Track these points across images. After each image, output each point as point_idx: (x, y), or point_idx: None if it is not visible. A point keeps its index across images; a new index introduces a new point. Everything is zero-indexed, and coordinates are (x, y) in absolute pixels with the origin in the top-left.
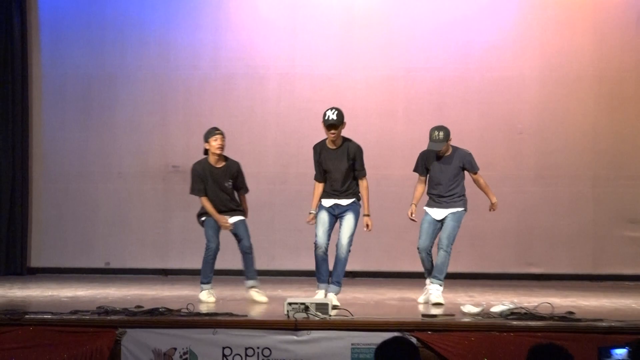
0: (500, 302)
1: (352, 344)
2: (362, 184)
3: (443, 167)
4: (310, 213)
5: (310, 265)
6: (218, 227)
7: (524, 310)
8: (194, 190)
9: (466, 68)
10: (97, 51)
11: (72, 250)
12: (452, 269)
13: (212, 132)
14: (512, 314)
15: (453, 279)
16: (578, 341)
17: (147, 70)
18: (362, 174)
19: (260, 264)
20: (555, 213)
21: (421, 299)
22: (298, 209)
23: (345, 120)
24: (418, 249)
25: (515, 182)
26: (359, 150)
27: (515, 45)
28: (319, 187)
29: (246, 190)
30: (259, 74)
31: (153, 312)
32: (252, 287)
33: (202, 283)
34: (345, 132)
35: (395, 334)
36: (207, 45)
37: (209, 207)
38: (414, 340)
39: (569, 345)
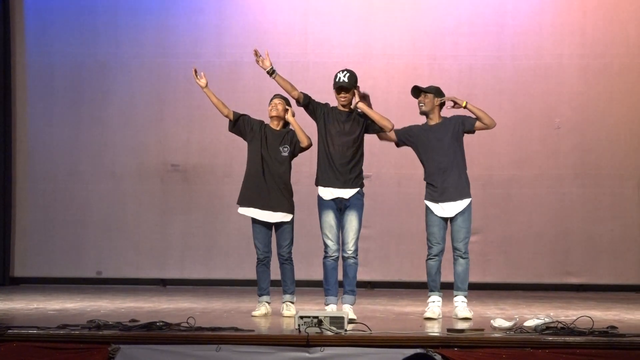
0: (535, 315)
1: None
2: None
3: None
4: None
5: (317, 275)
6: (265, 233)
7: (561, 325)
8: (235, 113)
9: (498, 55)
10: (88, 37)
11: (60, 258)
12: (480, 278)
13: (272, 99)
14: (547, 328)
15: (482, 289)
16: (621, 359)
17: (143, 58)
18: (385, 121)
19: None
20: (597, 217)
21: (431, 313)
22: (311, 212)
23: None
24: (433, 256)
25: (552, 182)
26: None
27: (553, 30)
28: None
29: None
30: None
31: (150, 326)
32: (287, 301)
33: (259, 295)
34: None
35: (418, 350)
36: (210, 30)
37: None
38: (438, 358)
39: None
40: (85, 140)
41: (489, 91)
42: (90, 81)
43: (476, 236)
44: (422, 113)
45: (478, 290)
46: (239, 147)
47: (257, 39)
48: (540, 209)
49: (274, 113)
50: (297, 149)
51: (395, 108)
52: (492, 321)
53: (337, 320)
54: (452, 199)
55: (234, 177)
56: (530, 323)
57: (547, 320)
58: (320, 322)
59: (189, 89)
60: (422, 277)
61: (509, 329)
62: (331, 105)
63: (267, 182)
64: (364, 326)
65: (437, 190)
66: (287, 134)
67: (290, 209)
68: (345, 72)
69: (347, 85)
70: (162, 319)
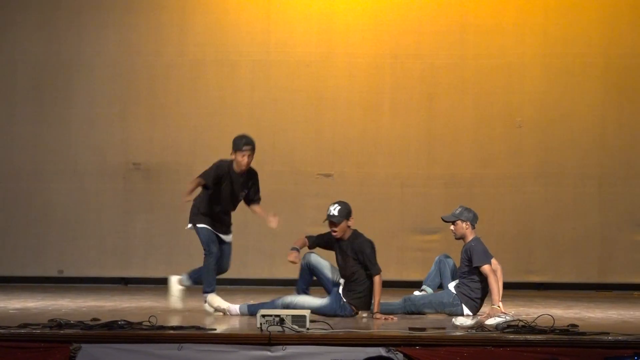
0: (496, 314)
1: None
2: (375, 280)
3: None
4: (294, 249)
5: (287, 274)
6: (215, 236)
7: (522, 323)
8: (204, 175)
9: (460, 54)
10: (50, 35)
11: (21, 257)
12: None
13: (241, 145)
14: (509, 327)
15: (443, 288)
16: (581, 357)
17: (105, 56)
18: (374, 271)
19: (231, 271)
20: (558, 216)
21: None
22: (272, 210)
23: (352, 216)
24: None
25: (514, 182)
26: (367, 245)
27: (515, 29)
28: (304, 241)
29: (259, 199)
30: (230, 60)
31: (111, 325)
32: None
33: (206, 292)
34: (326, 126)
35: (380, 349)
36: (173, 28)
37: (193, 186)
38: (400, 356)
39: None
40: (48, 138)
41: (451, 90)
42: (52, 79)
43: (438, 235)
44: (458, 238)
45: (440, 289)
46: (202, 145)
47: (220, 37)
48: (503, 208)
49: (243, 168)
50: (251, 192)
51: (357, 106)
52: (453, 319)
53: (299, 319)
54: None
55: (196, 175)
56: (491, 321)
57: (508, 318)
58: (282, 321)
59: (152, 87)
60: (384, 276)
61: (471, 327)
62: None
63: (226, 216)
64: (326, 324)
65: None
66: (247, 180)
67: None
68: (335, 205)
69: (335, 220)
70: (124, 318)
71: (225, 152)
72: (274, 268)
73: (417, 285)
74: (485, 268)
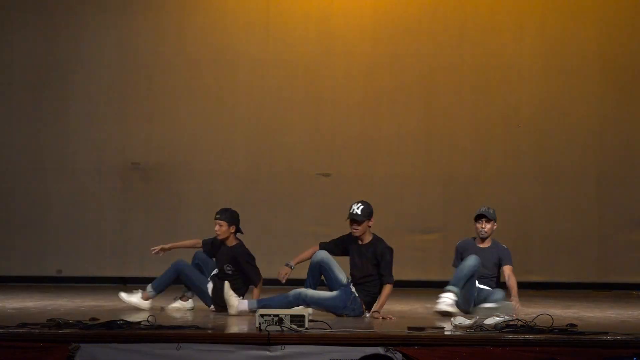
0: (495, 313)
1: None
2: (386, 287)
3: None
4: (286, 265)
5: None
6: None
7: (520, 323)
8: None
9: (459, 54)
10: (48, 34)
11: (20, 257)
12: (441, 277)
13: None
14: (507, 326)
15: (442, 287)
16: (580, 356)
17: (104, 56)
18: (387, 279)
19: None
20: (557, 215)
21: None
22: (271, 210)
23: (373, 217)
24: None
25: (512, 181)
26: (388, 252)
27: (513, 28)
28: (315, 250)
29: (257, 280)
30: (228, 59)
31: (110, 325)
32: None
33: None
34: (324, 125)
35: (379, 348)
36: (171, 28)
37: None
38: (398, 356)
39: None
40: (46, 138)
41: (449, 90)
42: (50, 79)
43: (436, 234)
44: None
45: (439, 288)
46: (200, 145)
47: (218, 37)
48: (501, 207)
49: (219, 237)
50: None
51: (356, 107)
52: (452, 319)
53: (297, 319)
54: None
55: (194, 175)
56: (490, 321)
57: (507, 318)
58: (281, 321)
59: (150, 87)
60: None
61: (469, 327)
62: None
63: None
64: (324, 324)
65: None
66: (229, 254)
67: None
68: (359, 204)
69: (358, 218)
70: (123, 317)
71: (222, 152)
72: (272, 267)
73: (416, 284)
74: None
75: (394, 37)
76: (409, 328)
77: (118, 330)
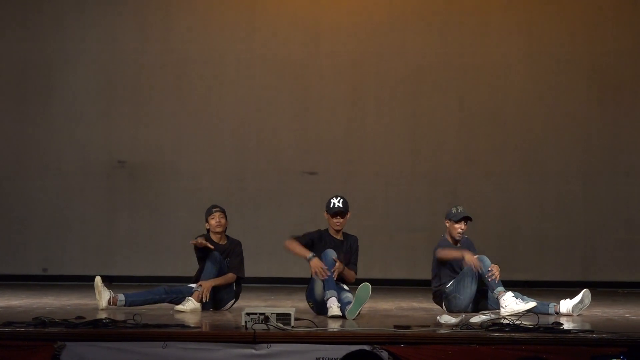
0: (481, 311)
1: (317, 359)
2: (351, 272)
3: None
4: (314, 257)
5: (271, 272)
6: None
7: (506, 321)
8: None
9: (445, 53)
10: (33, 33)
11: (4, 255)
12: (427, 275)
13: (210, 210)
14: (493, 325)
15: (429, 286)
16: (566, 355)
17: (89, 54)
18: (355, 269)
19: None
20: (542, 213)
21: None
22: (257, 209)
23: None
24: None
25: (498, 179)
26: (357, 244)
27: (500, 28)
28: (296, 244)
29: (237, 273)
30: (214, 57)
31: (96, 323)
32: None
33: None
34: (310, 124)
35: (365, 347)
36: (157, 25)
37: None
38: (384, 354)
39: (556, 359)
40: (30, 136)
41: (435, 88)
42: (35, 77)
43: (423, 233)
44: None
45: (425, 286)
46: (186, 143)
47: (204, 36)
48: (487, 206)
49: (219, 229)
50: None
51: (342, 106)
52: (438, 317)
53: (283, 317)
54: None
55: (180, 174)
56: (476, 319)
57: (493, 316)
58: (267, 319)
59: (136, 85)
60: (370, 275)
61: (455, 325)
62: (322, 230)
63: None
64: (310, 323)
65: None
66: (227, 249)
67: None
68: (339, 197)
69: (344, 210)
70: (108, 316)
71: (208, 150)
72: (258, 266)
73: (402, 282)
74: None
75: (379, 36)
76: (395, 326)
77: (104, 329)
